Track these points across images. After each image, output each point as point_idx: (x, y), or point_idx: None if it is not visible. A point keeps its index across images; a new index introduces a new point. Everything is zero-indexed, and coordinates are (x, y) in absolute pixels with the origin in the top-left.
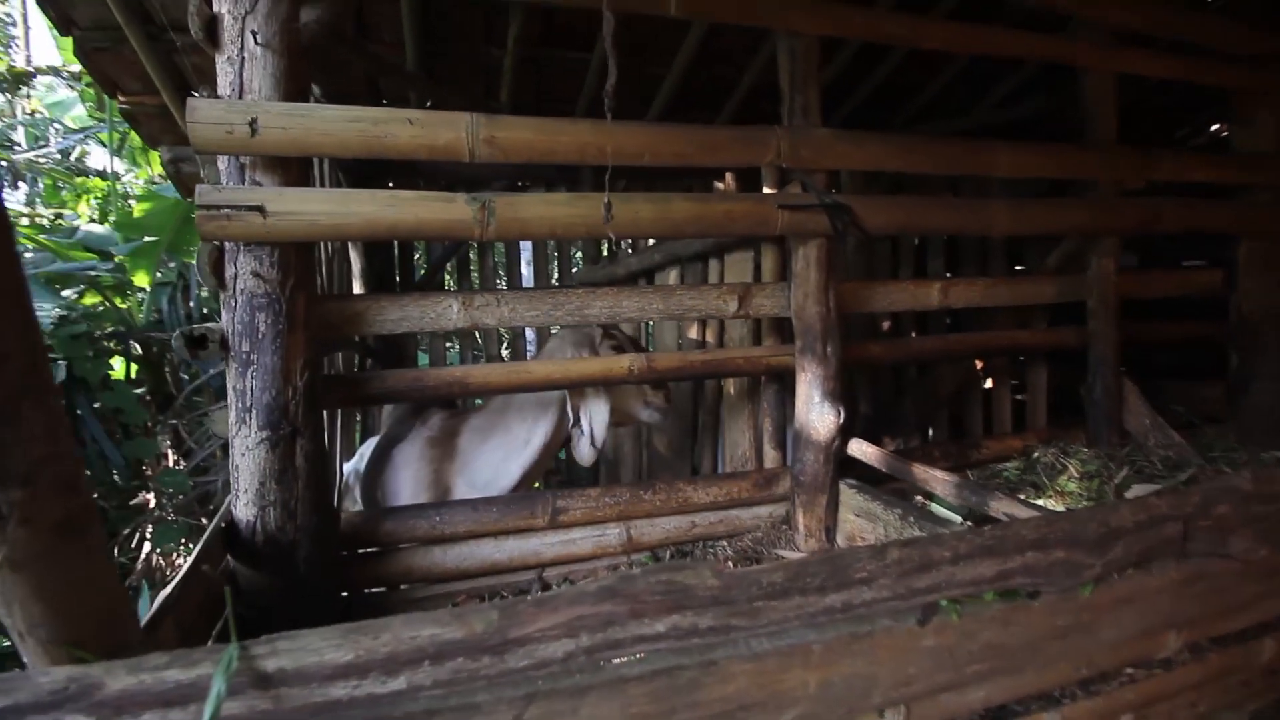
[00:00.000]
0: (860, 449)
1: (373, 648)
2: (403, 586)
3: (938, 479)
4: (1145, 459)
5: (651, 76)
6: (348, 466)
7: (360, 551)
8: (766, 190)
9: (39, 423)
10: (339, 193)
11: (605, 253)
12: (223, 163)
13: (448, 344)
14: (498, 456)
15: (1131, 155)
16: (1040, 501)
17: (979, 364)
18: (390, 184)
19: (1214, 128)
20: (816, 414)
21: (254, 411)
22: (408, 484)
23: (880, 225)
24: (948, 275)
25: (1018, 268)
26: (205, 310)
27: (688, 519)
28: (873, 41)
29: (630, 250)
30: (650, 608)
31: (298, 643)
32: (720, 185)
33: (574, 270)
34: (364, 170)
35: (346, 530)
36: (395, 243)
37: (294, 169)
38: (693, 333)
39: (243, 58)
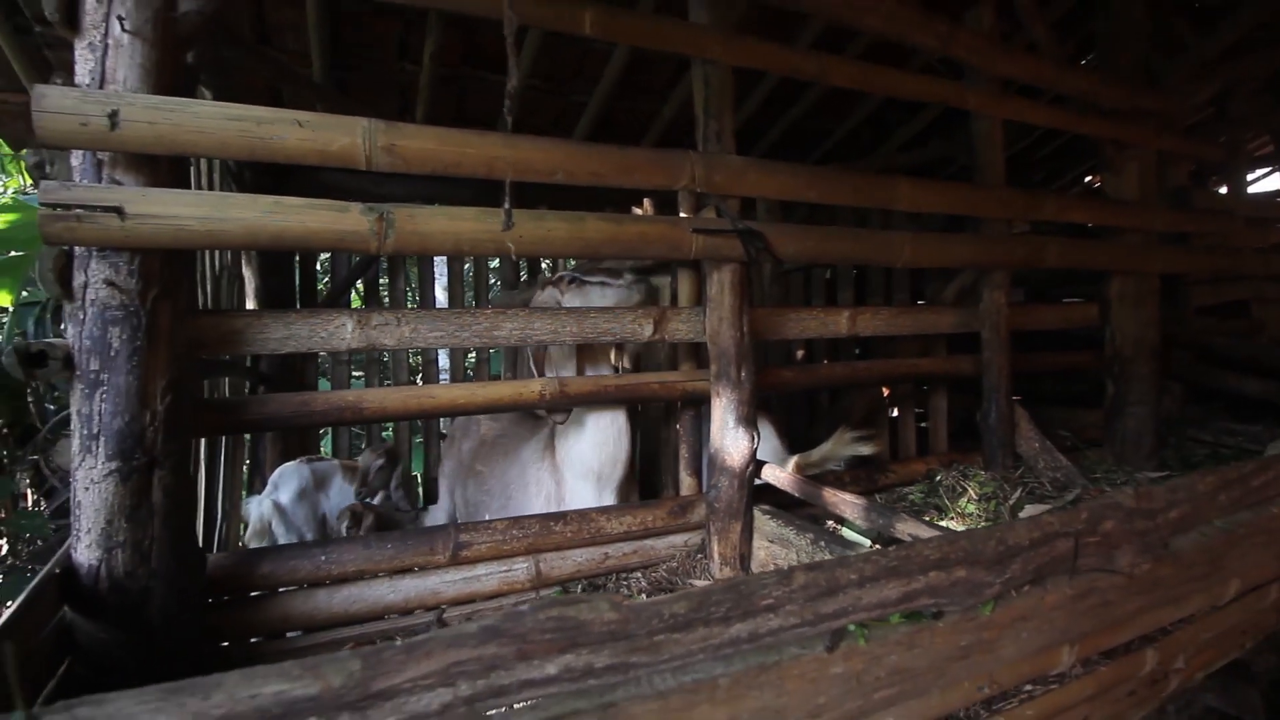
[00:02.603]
0: (773, 474)
1: (202, 710)
2: (289, 634)
3: (847, 502)
4: (1036, 480)
5: (575, 105)
6: (254, 502)
7: (229, 599)
8: (682, 214)
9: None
10: (214, 196)
11: (524, 277)
12: (76, 159)
13: (355, 373)
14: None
15: (1018, 196)
16: (943, 523)
17: (885, 391)
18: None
19: (1088, 179)
20: (731, 439)
21: (102, 439)
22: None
23: (792, 253)
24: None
25: (920, 301)
26: None
27: (600, 550)
28: (785, 75)
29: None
30: (540, 648)
31: (104, 709)
32: (637, 210)
33: (491, 295)
34: (266, 183)
35: (215, 574)
36: (296, 260)
37: (163, 170)
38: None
39: (106, 44)
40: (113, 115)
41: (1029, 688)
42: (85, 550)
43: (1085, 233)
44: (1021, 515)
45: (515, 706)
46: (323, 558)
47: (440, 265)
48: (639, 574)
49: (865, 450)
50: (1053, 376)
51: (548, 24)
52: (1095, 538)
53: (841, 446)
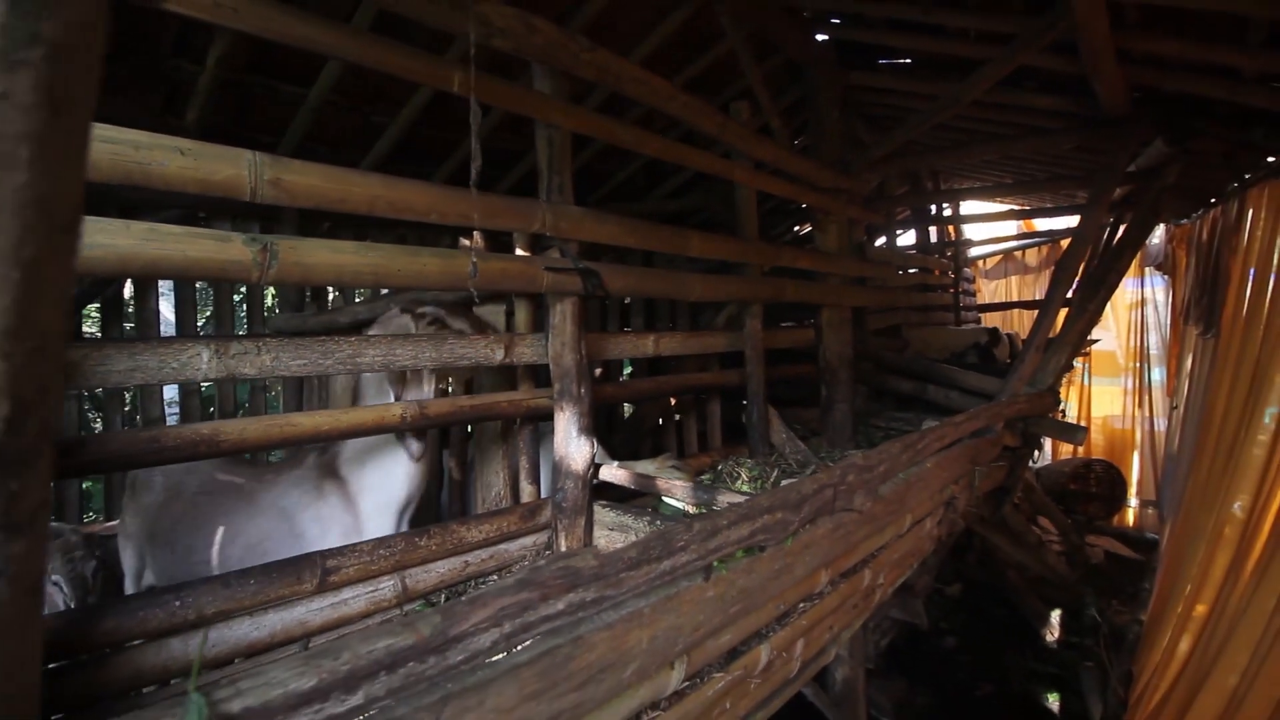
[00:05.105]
0: (612, 473)
1: (334, 669)
2: (147, 689)
3: (678, 487)
4: (786, 462)
5: (374, 125)
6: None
7: (66, 665)
8: (520, 252)
9: (46, 470)
10: (122, 223)
11: (309, 298)
12: None
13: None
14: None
15: (768, 248)
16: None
17: (673, 401)
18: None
19: (796, 228)
20: (575, 447)
21: None
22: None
23: (619, 288)
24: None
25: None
26: None
27: (461, 559)
28: (610, 143)
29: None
30: (554, 590)
31: (261, 679)
32: (466, 242)
33: (269, 316)
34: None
35: (47, 638)
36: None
37: None
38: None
39: None
40: None
41: (801, 605)
42: None
43: (804, 275)
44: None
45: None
46: (177, 603)
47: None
48: (495, 577)
49: (678, 473)
50: (780, 384)
51: (420, 78)
52: (844, 486)
53: (662, 467)
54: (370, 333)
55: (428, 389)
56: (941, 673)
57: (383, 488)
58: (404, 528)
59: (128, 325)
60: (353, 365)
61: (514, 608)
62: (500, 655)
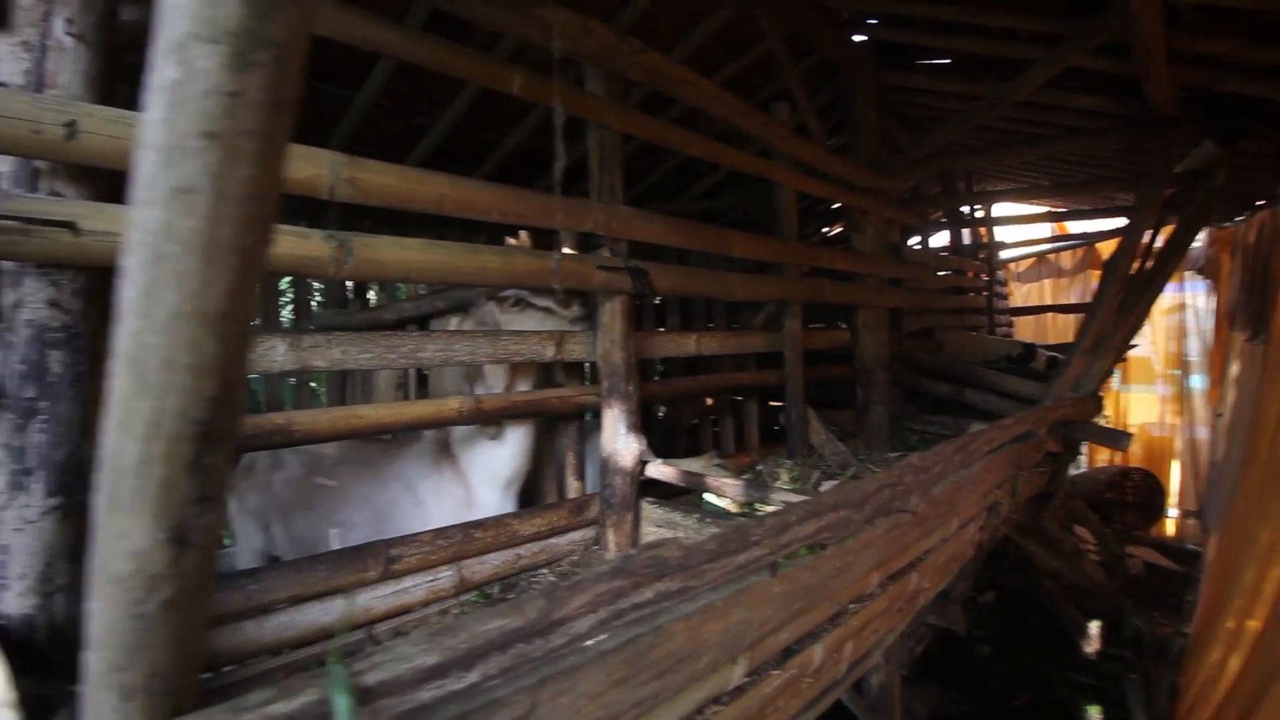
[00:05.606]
0: (659, 470)
1: (454, 646)
2: (217, 671)
3: (728, 485)
4: (825, 463)
5: (416, 127)
6: None
7: None
8: (567, 250)
9: (231, 447)
10: None
11: (351, 295)
12: (5, 165)
13: None
14: None
15: (806, 248)
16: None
17: (709, 401)
18: None
19: (825, 230)
20: (623, 444)
21: (39, 474)
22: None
23: (665, 287)
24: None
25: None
26: None
27: (513, 552)
28: (657, 143)
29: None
30: (644, 579)
31: (392, 653)
32: (513, 241)
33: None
34: None
35: None
36: None
37: (104, 183)
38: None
39: (45, 45)
40: (70, 125)
41: (852, 605)
42: (16, 599)
43: (837, 275)
44: (821, 489)
45: (606, 635)
46: (252, 587)
47: None
48: (545, 570)
49: (724, 471)
50: (812, 385)
51: (483, 80)
52: (901, 487)
53: (707, 465)
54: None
55: (494, 382)
56: (976, 681)
57: (487, 466)
58: (511, 504)
59: None
60: (414, 360)
61: (609, 594)
62: (593, 641)
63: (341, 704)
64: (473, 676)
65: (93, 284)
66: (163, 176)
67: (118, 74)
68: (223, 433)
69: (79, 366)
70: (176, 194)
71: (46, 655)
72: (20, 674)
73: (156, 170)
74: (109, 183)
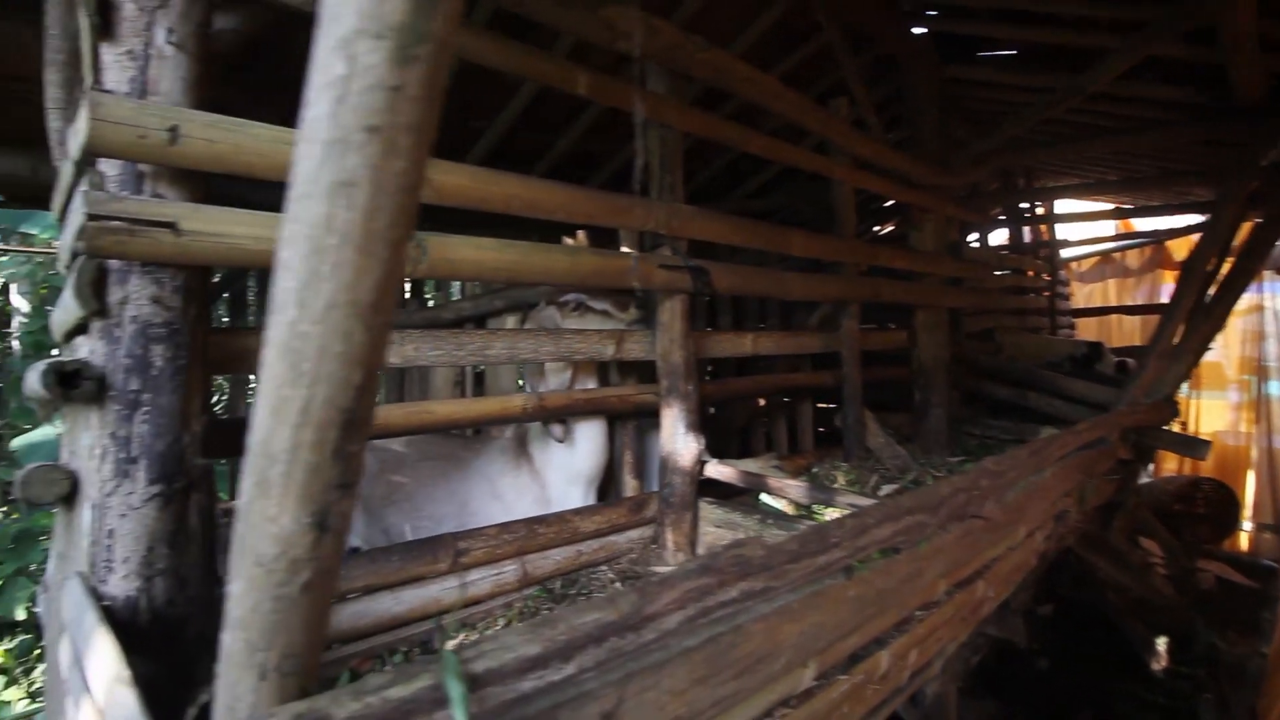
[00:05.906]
0: (718, 470)
1: (554, 638)
2: None
3: (792, 487)
4: (884, 467)
5: (472, 130)
6: None
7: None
8: (625, 249)
9: (368, 434)
10: (267, 216)
11: (408, 295)
12: (111, 168)
13: None
14: None
15: (865, 246)
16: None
17: (762, 402)
18: None
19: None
20: (682, 443)
21: (142, 463)
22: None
23: (725, 286)
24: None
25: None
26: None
27: (574, 548)
28: (714, 141)
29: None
30: (730, 577)
31: (499, 643)
32: (570, 240)
33: None
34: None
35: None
36: None
37: (202, 185)
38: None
39: (148, 54)
40: (173, 130)
41: (918, 613)
42: (121, 581)
43: (893, 274)
44: (881, 493)
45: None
46: None
47: None
48: (604, 567)
49: (782, 473)
50: (867, 387)
51: (553, 82)
52: (977, 491)
53: (765, 466)
54: (536, 320)
55: (554, 380)
56: (1035, 695)
57: (561, 464)
58: (590, 498)
59: (250, 319)
60: (481, 357)
61: (696, 591)
62: (683, 637)
63: (455, 690)
64: (570, 669)
65: (191, 281)
66: (326, 170)
67: (210, 80)
68: (364, 420)
69: (179, 360)
70: (338, 187)
71: (148, 636)
72: (127, 653)
73: (319, 164)
74: (205, 185)
